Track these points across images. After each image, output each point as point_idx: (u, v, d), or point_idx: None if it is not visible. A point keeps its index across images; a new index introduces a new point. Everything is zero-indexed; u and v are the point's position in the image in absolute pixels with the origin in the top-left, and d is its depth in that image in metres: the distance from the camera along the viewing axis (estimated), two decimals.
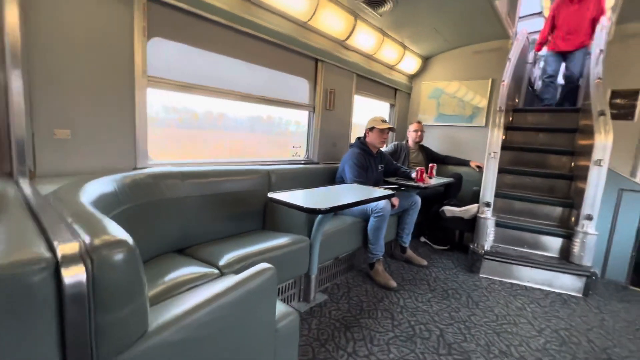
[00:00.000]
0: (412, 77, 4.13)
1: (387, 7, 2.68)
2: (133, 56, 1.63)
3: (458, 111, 3.86)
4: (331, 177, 2.72)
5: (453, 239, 3.25)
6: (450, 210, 2.90)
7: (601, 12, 3.09)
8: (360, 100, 3.47)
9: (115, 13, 1.54)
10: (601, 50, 2.77)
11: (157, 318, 0.75)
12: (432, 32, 3.38)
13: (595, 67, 2.73)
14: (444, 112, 3.98)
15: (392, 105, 4.02)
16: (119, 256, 0.63)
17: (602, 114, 2.38)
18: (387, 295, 2.18)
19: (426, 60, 4.02)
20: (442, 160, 3.60)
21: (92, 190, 1.17)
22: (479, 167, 3.43)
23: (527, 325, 1.94)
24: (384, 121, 2.53)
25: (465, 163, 3.54)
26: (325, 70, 2.81)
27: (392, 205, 2.43)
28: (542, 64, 4.23)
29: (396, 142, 3.57)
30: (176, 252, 1.68)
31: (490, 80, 3.63)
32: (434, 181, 2.75)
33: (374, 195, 1.91)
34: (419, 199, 2.68)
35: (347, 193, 1.99)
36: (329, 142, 3.02)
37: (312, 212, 1.45)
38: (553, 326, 1.94)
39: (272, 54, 2.42)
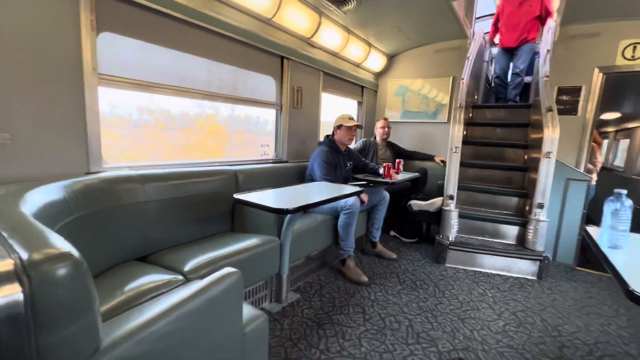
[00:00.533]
0: (378, 75, 4.21)
1: (350, 5, 2.70)
2: (81, 52, 1.51)
3: (422, 108, 4.00)
4: (301, 176, 2.71)
5: (421, 232, 3.37)
6: (417, 204, 3.00)
7: (547, 12, 3.28)
8: (328, 97, 3.48)
9: (58, 5, 1.42)
10: (548, 50, 2.98)
11: (112, 332, 0.71)
12: (396, 31, 3.46)
13: (543, 65, 2.94)
14: (409, 109, 4.10)
15: (359, 103, 4.08)
16: (61, 271, 0.58)
17: (549, 110, 2.57)
18: (359, 290, 2.22)
19: (391, 58, 4.11)
20: (408, 156, 3.72)
21: (36, 199, 1.07)
22: (443, 161, 3.58)
23: (488, 309, 2.05)
24: (351, 119, 2.56)
25: (430, 158, 3.68)
26: (291, 68, 2.79)
27: (362, 202, 2.47)
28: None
29: (364, 139, 3.62)
30: (138, 260, 1.60)
31: (451, 77, 3.79)
32: (401, 176, 2.84)
33: (342, 192, 1.93)
34: (387, 195, 2.75)
35: (316, 191, 1.99)
36: (297, 140, 3.01)
37: (280, 212, 1.44)
38: (511, 309, 2.08)
39: (236, 51, 2.35)
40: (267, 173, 2.46)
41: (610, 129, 6.08)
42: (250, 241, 1.78)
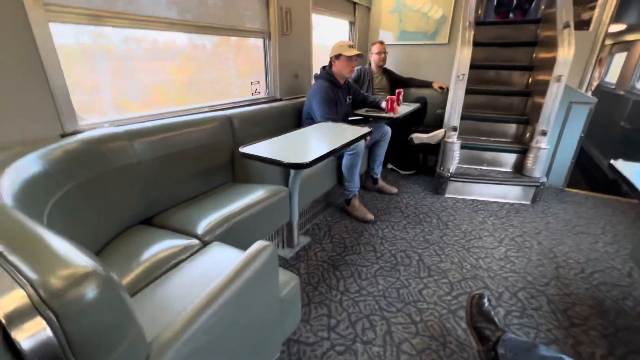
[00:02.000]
0: None
1: None
2: None
3: (421, 27, 3.60)
4: (298, 114, 2.50)
5: (418, 163, 3.37)
6: (418, 137, 2.91)
7: None
8: (316, 20, 3.03)
9: None
10: None
11: (153, 326, 0.65)
12: None
13: None
14: (406, 29, 3.69)
15: (351, 23, 3.61)
16: (90, 295, 0.47)
17: (567, 25, 2.35)
18: (366, 228, 2.26)
19: None
20: (405, 83, 3.48)
21: (11, 180, 0.89)
22: (441, 87, 3.39)
23: (489, 237, 2.17)
24: (351, 47, 2.26)
25: (428, 85, 3.47)
26: None
27: (364, 140, 2.35)
28: None
29: (358, 67, 3.31)
30: (142, 223, 1.50)
31: None
32: (402, 108, 2.68)
33: (347, 133, 1.80)
34: (389, 130, 2.63)
35: (322, 136, 1.84)
36: (290, 73, 2.69)
37: (295, 167, 1.32)
38: (510, 235, 2.20)
39: None
40: (262, 115, 2.24)
41: (607, 41, 5.83)
42: (259, 193, 1.69)
